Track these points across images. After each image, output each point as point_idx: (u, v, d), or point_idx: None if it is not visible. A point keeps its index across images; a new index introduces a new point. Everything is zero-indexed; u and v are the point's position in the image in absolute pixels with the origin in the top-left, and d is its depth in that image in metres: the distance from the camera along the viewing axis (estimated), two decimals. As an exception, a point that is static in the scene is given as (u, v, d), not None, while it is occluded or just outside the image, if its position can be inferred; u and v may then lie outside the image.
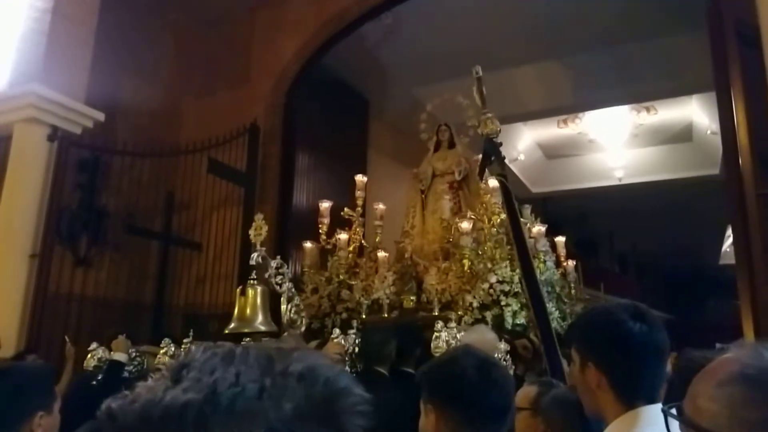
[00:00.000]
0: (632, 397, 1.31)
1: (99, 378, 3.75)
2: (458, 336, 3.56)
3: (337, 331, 3.94)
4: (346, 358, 3.50)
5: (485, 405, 1.42)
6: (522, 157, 11.51)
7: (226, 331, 3.71)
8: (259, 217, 3.89)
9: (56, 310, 5.47)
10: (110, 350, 3.88)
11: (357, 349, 3.65)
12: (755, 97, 3.99)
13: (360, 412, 0.51)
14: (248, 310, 3.72)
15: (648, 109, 10.33)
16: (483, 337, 3.10)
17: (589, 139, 11.46)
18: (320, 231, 5.49)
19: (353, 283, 5.20)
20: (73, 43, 5.76)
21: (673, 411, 0.86)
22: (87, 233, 5.99)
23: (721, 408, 0.77)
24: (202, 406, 0.46)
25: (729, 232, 9.35)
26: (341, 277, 5.26)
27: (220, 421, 0.45)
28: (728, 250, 12.92)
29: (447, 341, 3.55)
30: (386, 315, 4.80)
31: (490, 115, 3.82)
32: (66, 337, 4.69)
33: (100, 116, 5.85)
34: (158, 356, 3.99)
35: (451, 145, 5.92)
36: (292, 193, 6.96)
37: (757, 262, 3.90)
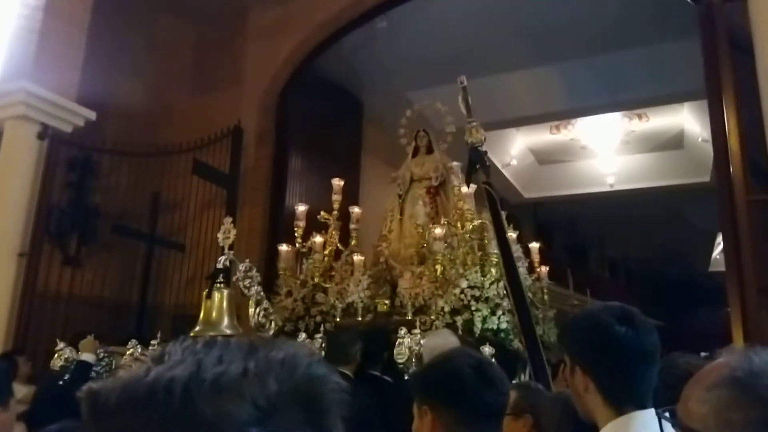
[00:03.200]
0: (621, 402, 1.30)
1: (66, 378, 3.72)
2: (422, 342, 3.55)
3: (303, 335, 3.94)
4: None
5: (482, 404, 1.42)
6: (514, 162, 11.54)
7: (192, 334, 3.62)
8: (227, 221, 3.87)
9: (44, 310, 5.42)
10: (77, 350, 3.86)
11: (323, 353, 3.62)
12: (746, 105, 4.01)
13: (338, 400, 0.52)
14: (214, 313, 3.69)
15: (640, 116, 10.39)
16: (445, 340, 3.11)
17: (581, 146, 11.50)
18: (296, 234, 5.48)
19: (328, 286, 5.19)
20: (64, 42, 5.73)
21: (667, 415, 0.87)
22: (76, 232, 5.95)
23: (709, 410, 0.79)
24: (187, 382, 0.46)
25: (719, 239, 9.41)
26: (316, 280, 5.25)
27: (206, 396, 0.45)
28: (718, 257, 13.00)
29: (410, 347, 3.54)
30: (360, 318, 4.80)
31: (475, 123, 3.85)
32: (57, 340, 4.65)
33: (91, 115, 5.81)
34: (124, 357, 3.94)
35: (429, 150, 5.97)
36: (285, 195, 6.93)
37: (746, 269, 3.92)
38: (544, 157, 12.05)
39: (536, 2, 6.91)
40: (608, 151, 11.48)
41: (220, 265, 3.70)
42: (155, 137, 6.66)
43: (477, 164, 3.80)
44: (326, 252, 5.45)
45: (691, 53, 5.27)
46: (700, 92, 5.45)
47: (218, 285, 3.69)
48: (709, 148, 5.67)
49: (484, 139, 3.83)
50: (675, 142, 10.95)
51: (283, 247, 5.47)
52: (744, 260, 3.93)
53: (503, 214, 3.81)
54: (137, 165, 6.33)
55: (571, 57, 7.73)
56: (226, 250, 3.74)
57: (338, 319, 4.89)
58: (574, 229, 14.30)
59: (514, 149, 11.46)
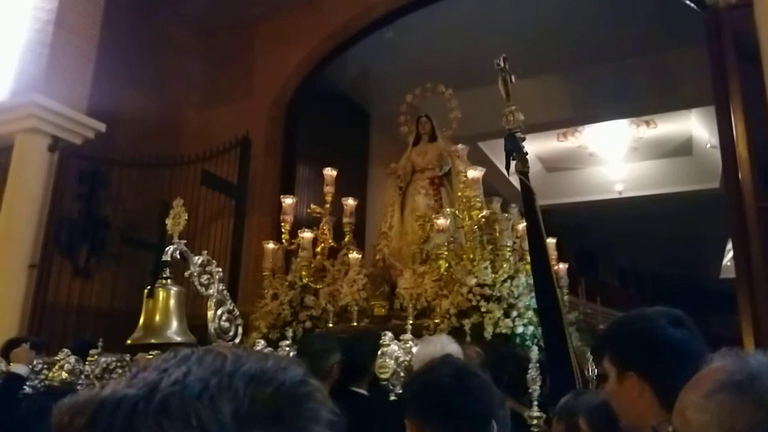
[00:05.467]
0: None
1: None
2: (413, 350, 2.91)
3: (261, 342, 3.30)
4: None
5: (463, 413, 1.38)
6: (522, 170, 11.52)
7: (129, 342, 3.07)
8: (178, 203, 3.29)
9: (55, 321, 5.45)
10: (9, 361, 3.34)
11: None
12: (754, 111, 4.00)
13: (319, 420, 0.48)
14: (158, 317, 3.04)
15: (648, 123, 10.36)
16: (443, 350, 2.53)
17: (588, 153, 11.47)
18: (282, 230, 4.94)
19: (319, 287, 4.70)
20: (75, 55, 5.79)
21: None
22: (86, 244, 5.99)
23: (710, 417, 0.76)
24: (137, 402, 0.44)
25: (730, 245, 9.34)
26: (304, 280, 4.73)
27: (150, 418, 0.44)
28: (729, 264, 12.89)
29: (397, 358, 2.86)
30: (356, 323, 4.35)
31: (513, 108, 3.58)
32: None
33: (101, 127, 5.87)
34: (54, 370, 3.39)
35: (432, 138, 5.45)
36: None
37: (757, 275, 3.89)
38: (552, 165, 12.02)
39: (542, 11, 6.93)
40: (616, 158, 11.45)
41: (166, 257, 3.00)
42: (165, 148, 6.70)
43: (514, 152, 3.54)
44: (318, 250, 4.94)
45: (698, 60, 5.26)
46: (707, 98, 5.44)
47: (163, 281, 3.06)
48: (717, 155, 5.64)
49: (522, 124, 3.57)
50: (683, 148, 10.90)
51: (270, 245, 4.93)
52: (754, 266, 3.90)
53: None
54: (146, 176, 6.38)
55: (577, 65, 7.73)
56: (175, 239, 3.09)
57: (330, 324, 4.43)
58: (584, 237, 14.23)
59: (521, 157, 11.44)
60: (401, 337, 3.03)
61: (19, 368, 3.23)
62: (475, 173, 4.55)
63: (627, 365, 1.33)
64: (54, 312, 5.49)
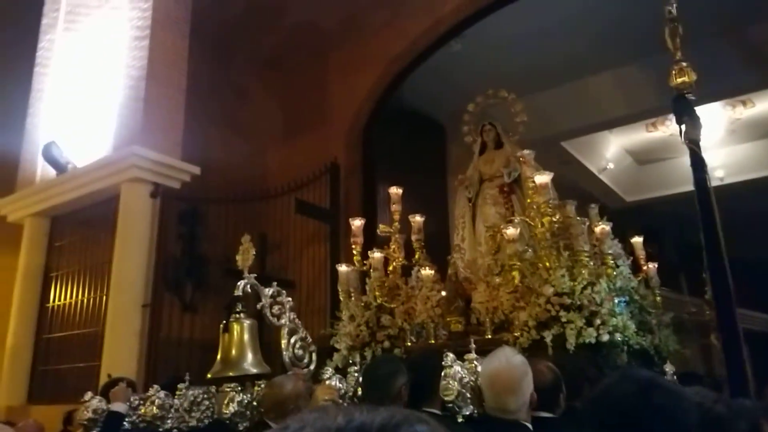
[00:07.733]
0: None
1: None
2: (479, 369, 2.73)
3: (329, 371, 3.21)
4: (345, 405, 2.79)
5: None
6: (611, 165, 11.10)
7: (209, 376, 3.21)
8: (246, 239, 3.43)
9: (168, 354, 5.82)
10: (108, 400, 3.55)
11: (360, 391, 2.94)
12: None
13: None
14: (233, 350, 3.19)
15: (744, 103, 9.72)
16: (508, 363, 2.40)
17: (681, 141, 10.89)
18: (353, 252, 4.96)
19: (393, 306, 4.64)
20: (167, 105, 6.23)
21: None
22: (191, 280, 6.36)
23: None
24: None
25: None
26: (378, 300, 4.70)
27: None
28: None
29: (461, 379, 2.68)
30: (432, 341, 4.24)
31: (684, 64, 3.12)
32: (109, 374, 4.55)
33: (196, 170, 6.25)
34: (146, 405, 3.53)
35: (498, 145, 5.29)
36: (376, 226, 7.06)
37: None
38: (643, 157, 11.51)
39: (609, 3, 6.72)
40: (713, 143, 10.79)
41: (238, 292, 3.19)
42: (253, 182, 7.05)
43: (683, 117, 3.07)
44: (389, 269, 4.93)
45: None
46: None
47: (237, 315, 3.22)
48: (825, 128, 5.22)
49: (693, 84, 3.06)
50: (787, 125, 10.14)
51: (342, 268, 4.96)
52: None
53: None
54: (241, 210, 6.72)
55: (657, 51, 7.40)
56: (245, 274, 3.26)
57: (408, 343, 4.38)
58: (685, 230, 13.44)
59: (609, 152, 11.04)
60: (465, 357, 2.88)
61: (119, 406, 3.47)
62: (542, 178, 4.29)
63: None
64: (167, 346, 5.87)
